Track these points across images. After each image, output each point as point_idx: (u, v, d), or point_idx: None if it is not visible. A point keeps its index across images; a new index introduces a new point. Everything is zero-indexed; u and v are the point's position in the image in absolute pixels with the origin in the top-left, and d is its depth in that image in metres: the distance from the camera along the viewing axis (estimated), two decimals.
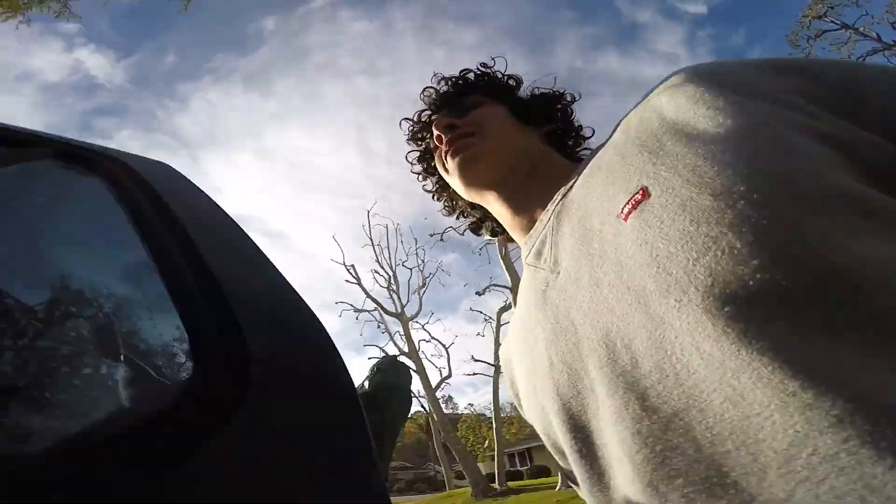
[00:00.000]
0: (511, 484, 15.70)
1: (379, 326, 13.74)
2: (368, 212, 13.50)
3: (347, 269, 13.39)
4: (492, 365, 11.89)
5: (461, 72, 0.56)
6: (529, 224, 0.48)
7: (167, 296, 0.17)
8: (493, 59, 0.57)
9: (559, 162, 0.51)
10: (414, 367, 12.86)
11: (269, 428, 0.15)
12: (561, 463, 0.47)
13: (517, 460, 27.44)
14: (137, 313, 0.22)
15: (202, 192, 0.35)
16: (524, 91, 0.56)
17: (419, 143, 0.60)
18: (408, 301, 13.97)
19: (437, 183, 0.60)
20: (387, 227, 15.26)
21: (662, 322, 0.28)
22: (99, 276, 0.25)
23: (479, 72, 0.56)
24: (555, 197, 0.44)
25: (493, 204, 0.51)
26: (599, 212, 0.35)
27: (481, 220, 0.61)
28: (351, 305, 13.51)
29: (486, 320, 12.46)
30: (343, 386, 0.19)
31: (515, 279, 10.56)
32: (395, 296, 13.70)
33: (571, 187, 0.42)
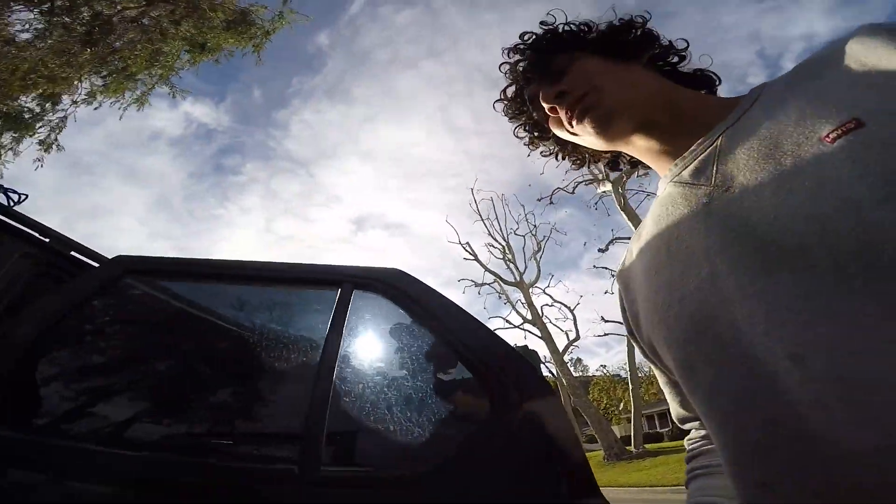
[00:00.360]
0: (649, 446, 15.03)
1: (500, 297, 13.91)
2: (472, 189, 14.00)
3: (463, 247, 13.86)
4: (622, 323, 11.69)
5: (534, 35, 0.55)
6: (677, 150, 0.48)
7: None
8: (549, 14, 0.55)
9: (691, 92, 0.51)
10: (539, 334, 13.04)
11: (534, 415, 0.64)
12: (664, 380, 0.51)
13: (657, 422, 25.58)
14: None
15: (427, 285, 0.86)
16: (597, 31, 0.54)
17: (521, 117, 0.60)
18: (525, 268, 14.01)
19: (555, 145, 0.61)
20: (492, 200, 15.55)
21: (876, 225, 0.30)
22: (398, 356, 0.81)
23: (549, 30, 0.55)
24: (720, 124, 0.45)
25: (639, 142, 0.51)
26: (793, 134, 0.37)
27: (616, 158, 0.62)
28: (472, 281, 13.88)
29: (612, 276, 12.20)
30: (546, 385, 0.67)
31: (633, 226, 9.81)
32: (511, 265, 13.80)
33: (742, 115, 0.43)
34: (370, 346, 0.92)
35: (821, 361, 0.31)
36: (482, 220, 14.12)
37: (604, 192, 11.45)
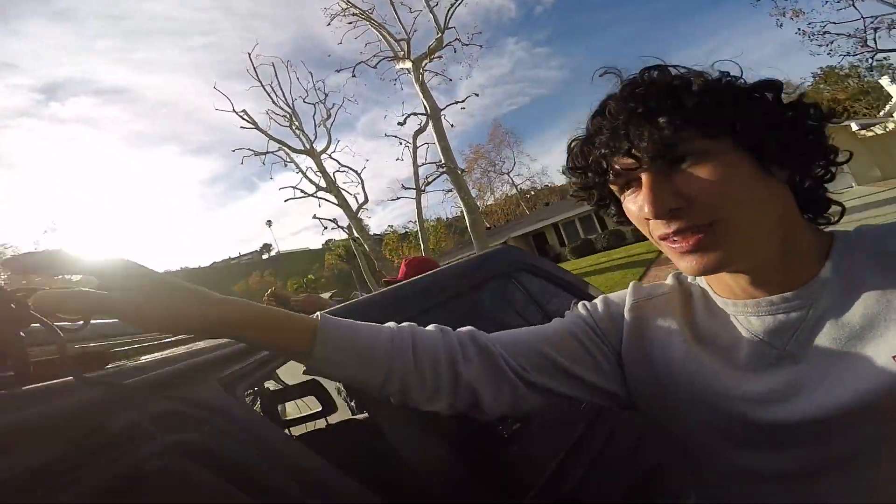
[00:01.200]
0: None
1: (286, 165, 12.96)
2: (250, 54, 12.46)
3: (239, 115, 12.40)
4: (409, 188, 11.68)
5: (659, 76, 0.40)
6: (751, 286, 0.42)
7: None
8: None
9: (807, 226, 0.43)
10: (335, 201, 12.43)
11: None
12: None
13: None
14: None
15: (536, 256, 1.01)
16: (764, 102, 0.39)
17: (585, 174, 0.46)
18: (315, 136, 13.35)
19: (599, 200, 0.49)
20: (273, 65, 13.20)
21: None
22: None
23: (680, 75, 0.39)
24: (824, 295, 0.39)
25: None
26: (873, 340, 0.37)
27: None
28: (251, 150, 12.56)
29: (402, 144, 12.00)
30: None
31: (433, 106, 10.71)
32: (300, 133, 13.16)
33: (839, 294, 0.39)
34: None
35: None
36: (263, 87, 12.80)
37: (404, 68, 11.56)
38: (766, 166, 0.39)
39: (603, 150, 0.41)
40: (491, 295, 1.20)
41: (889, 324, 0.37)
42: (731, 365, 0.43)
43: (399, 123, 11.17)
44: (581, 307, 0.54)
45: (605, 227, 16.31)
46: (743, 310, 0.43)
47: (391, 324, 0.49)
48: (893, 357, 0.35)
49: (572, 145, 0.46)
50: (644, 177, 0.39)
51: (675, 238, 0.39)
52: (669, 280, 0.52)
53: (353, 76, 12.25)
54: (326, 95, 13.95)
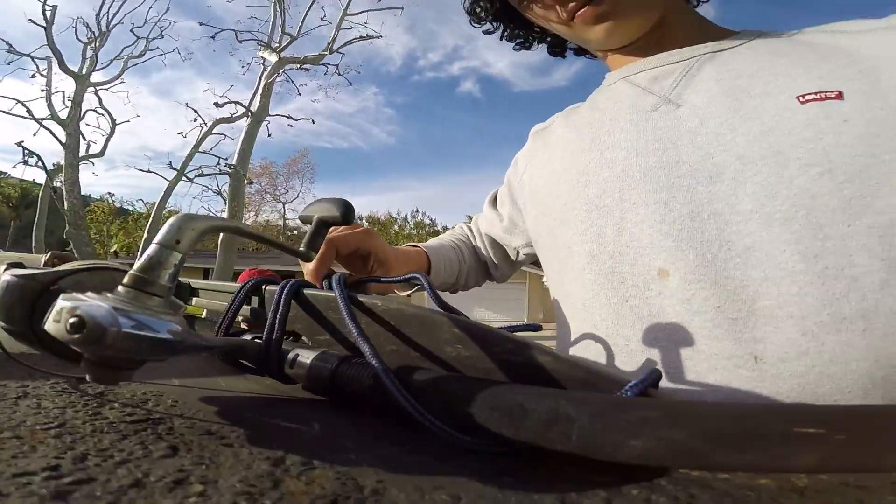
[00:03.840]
0: None
1: (33, 76, 9.82)
2: None
3: (44, 8, 9.28)
4: (174, 169, 9.62)
5: None
6: (644, 54, 0.47)
7: None
8: None
9: (684, 8, 0.49)
10: (63, 140, 9.47)
11: None
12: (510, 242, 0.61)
13: None
14: None
15: None
16: None
17: None
18: (108, 65, 10.65)
19: (511, 26, 0.58)
20: None
21: (791, 183, 0.33)
22: None
23: None
24: (700, 45, 0.44)
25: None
26: (769, 84, 0.37)
27: (563, 45, 0.60)
28: (8, 44, 9.37)
29: (196, 121, 9.89)
30: None
31: (264, 107, 9.54)
32: (92, 56, 10.22)
33: (729, 48, 0.42)
34: None
35: (678, 281, 0.35)
36: None
37: (264, 58, 10.22)
38: None
39: None
40: None
41: (796, 65, 0.37)
42: (604, 128, 0.44)
43: (216, 104, 9.68)
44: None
45: None
46: (631, 69, 0.47)
47: (444, 236, 0.71)
48: (798, 97, 0.35)
49: None
50: None
51: (580, 13, 0.44)
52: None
53: (213, 38, 10.14)
54: (162, 37, 11.56)
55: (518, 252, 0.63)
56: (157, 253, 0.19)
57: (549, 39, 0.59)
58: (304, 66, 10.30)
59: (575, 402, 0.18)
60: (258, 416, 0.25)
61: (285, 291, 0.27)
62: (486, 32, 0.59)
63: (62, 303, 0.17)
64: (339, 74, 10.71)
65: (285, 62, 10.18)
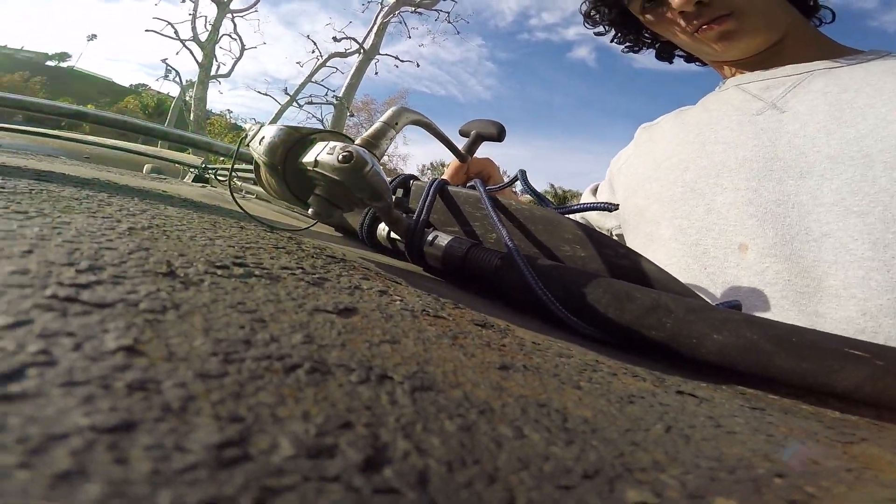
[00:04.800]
0: None
1: (184, 1, 10.59)
2: None
3: None
4: (287, 95, 10.56)
5: None
6: (754, 65, 0.50)
7: None
8: None
9: (806, 27, 0.51)
10: (199, 59, 10.45)
11: None
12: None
13: None
14: None
15: None
16: None
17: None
18: None
19: (633, 33, 0.61)
20: None
21: (874, 182, 0.36)
22: None
23: None
24: (818, 62, 0.46)
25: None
26: (874, 98, 0.39)
27: (671, 52, 0.63)
28: None
29: (314, 53, 10.69)
30: None
31: (375, 46, 10.08)
32: None
33: (845, 66, 0.44)
34: None
35: (755, 255, 0.39)
36: None
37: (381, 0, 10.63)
38: None
39: None
40: None
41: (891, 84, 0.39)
42: (709, 126, 0.48)
43: (335, 38, 10.22)
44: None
45: None
46: (745, 79, 0.50)
47: None
48: (892, 109, 0.37)
49: None
50: None
51: (704, 27, 0.48)
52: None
53: None
54: None
55: (611, 232, 0.68)
56: (382, 128, 0.27)
57: (658, 45, 0.63)
58: (419, 9, 10.23)
59: (674, 299, 0.23)
60: (409, 273, 0.34)
61: (434, 185, 0.33)
62: (598, 34, 0.63)
63: (334, 143, 0.25)
64: (449, 22, 10.67)
65: (401, 3, 10.12)
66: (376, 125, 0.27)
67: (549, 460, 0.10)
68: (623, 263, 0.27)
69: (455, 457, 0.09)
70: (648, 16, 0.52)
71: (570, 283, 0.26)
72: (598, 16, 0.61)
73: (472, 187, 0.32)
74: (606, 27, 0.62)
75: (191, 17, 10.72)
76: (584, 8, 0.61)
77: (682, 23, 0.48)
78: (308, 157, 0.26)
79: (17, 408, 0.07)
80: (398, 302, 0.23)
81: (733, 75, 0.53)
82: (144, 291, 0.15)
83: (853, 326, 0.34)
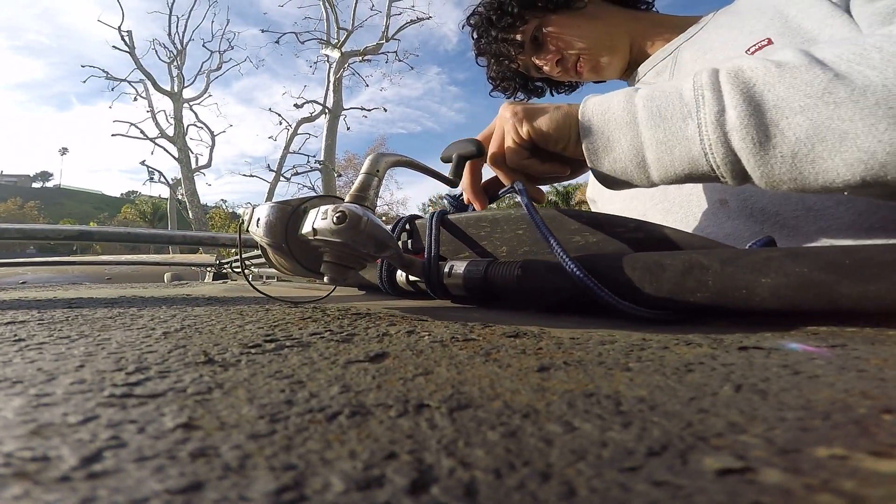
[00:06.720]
0: None
1: (135, 100, 10.76)
2: None
3: (122, 35, 10.01)
4: (272, 171, 10.36)
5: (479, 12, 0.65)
6: (634, 66, 0.61)
7: None
8: None
9: (644, 15, 0.62)
10: (176, 155, 10.68)
11: None
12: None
13: None
14: None
15: None
16: None
17: (511, 81, 0.70)
18: (193, 81, 11.56)
19: (523, 84, 0.71)
20: None
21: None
22: None
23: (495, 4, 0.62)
24: (675, 40, 0.56)
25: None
26: (727, 49, 0.47)
27: (573, 85, 0.74)
28: (104, 71, 10.15)
29: (282, 124, 10.52)
30: None
31: (338, 103, 10.15)
32: (178, 75, 11.17)
33: (697, 32, 0.54)
34: None
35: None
36: (170, 14, 10.86)
37: (328, 56, 10.80)
38: (575, 10, 0.61)
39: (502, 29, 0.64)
40: None
41: (739, 29, 0.48)
42: None
43: (296, 105, 10.51)
44: None
45: None
46: (641, 73, 0.60)
47: None
48: (746, 51, 0.45)
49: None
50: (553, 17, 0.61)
51: (576, 73, 0.62)
52: None
53: (277, 42, 10.84)
54: (231, 48, 12.64)
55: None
56: (365, 179, 0.28)
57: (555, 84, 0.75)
58: (366, 57, 10.57)
59: (705, 254, 0.22)
60: (436, 308, 0.33)
61: (434, 219, 0.34)
62: (504, 94, 0.75)
63: (325, 207, 0.26)
64: (400, 60, 10.80)
65: (347, 56, 10.61)
66: (359, 178, 0.28)
67: (607, 446, 0.10)
68: (638, 236, 0.26)
69: (503, 463, 0.09)
70: (539, 83, 0.71)
71: (598, 269, 0.25)
72: (502, 87, 0.72)
73: (512, 189, 0.33)
74: (507, 92, 0.74)
75: (149, 113, 10.75)
76: (492, 85, 0.73)
77: (563, 77, 0.64)
78: (306, 228, 0.27)
79: (102, 482, 0.08)
80: (426, 337, 0.23)
81: (630, 78, 0.63)
82: (189, 379, 0.16)
83: None
